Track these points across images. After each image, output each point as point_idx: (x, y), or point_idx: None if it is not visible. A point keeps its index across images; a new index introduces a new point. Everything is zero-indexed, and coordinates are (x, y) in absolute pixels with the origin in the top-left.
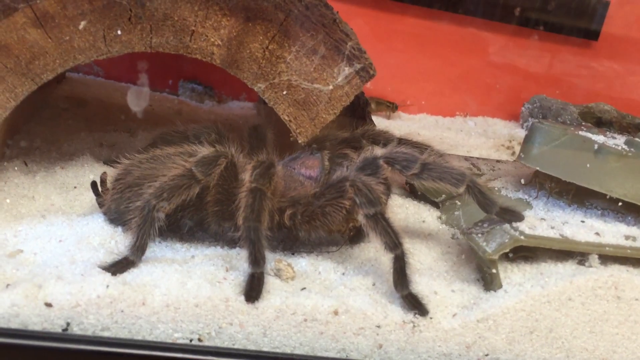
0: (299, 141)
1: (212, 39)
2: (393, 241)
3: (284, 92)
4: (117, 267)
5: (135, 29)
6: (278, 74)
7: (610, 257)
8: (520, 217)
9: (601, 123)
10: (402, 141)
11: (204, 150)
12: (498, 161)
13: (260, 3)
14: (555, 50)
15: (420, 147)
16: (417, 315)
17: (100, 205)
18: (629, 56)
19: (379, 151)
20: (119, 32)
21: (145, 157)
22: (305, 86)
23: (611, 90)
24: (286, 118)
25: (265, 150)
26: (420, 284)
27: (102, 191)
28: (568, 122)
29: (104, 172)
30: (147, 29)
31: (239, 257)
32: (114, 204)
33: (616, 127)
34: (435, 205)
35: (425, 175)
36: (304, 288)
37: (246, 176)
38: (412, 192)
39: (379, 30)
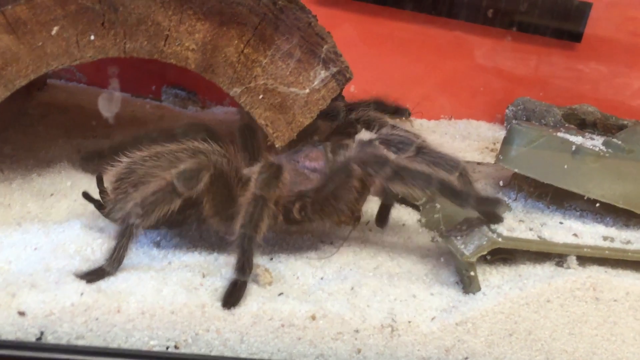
0: (276, 145)
1: (187, 44)
2: (428, 178)
3: (260, 96)
4: (92, 276)
5: (108, 34)
6: (254, 78)
7: (589, 258)
8: (497, 204)
9: (585, 124)
10: (395, 127)
11: (187, 162)
12: (479, 163)
13: (235, 7)
14: (538, 52)
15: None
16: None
17: (101, 205)
18: (612, 57)
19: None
20: (92, 37)
21: (147, 154)
22: (281, 90)
23: (595, 91)
24: (263, 122)
25: (257, 147)
26: (399, 288)
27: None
28: (552, 123)
29: (100, 172)
30: (121, 34)
31: (217, 263)
32: (119, 204)
33: (600, 129)
34: (415, 208)
35: (420, 158)
36: (282, 293)
37: (252, 180)
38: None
39: (363, 34)
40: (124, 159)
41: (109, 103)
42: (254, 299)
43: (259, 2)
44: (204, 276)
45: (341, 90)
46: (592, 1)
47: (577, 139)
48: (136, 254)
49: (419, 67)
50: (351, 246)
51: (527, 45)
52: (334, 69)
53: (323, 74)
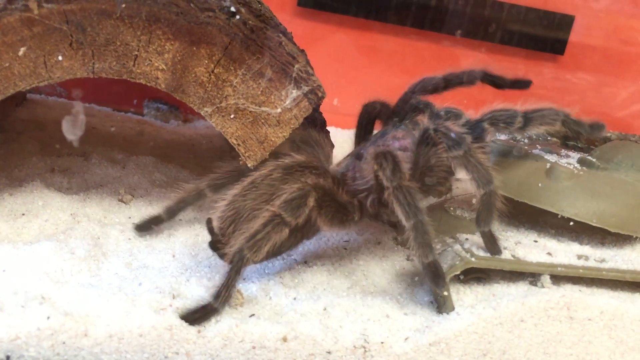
0: (249, 165)
1: (156, 64)
2: (485, 177)
3: (232, 116)
4: (199, 314)
5: (76, 54)
6: (225, 98)
7: (563, 277)
8: (498, 251)
9: (568, 137)
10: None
11: (290, 190)
12: (457, 179)
13: (204, 27)
14: (522, 64)
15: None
16: (366, 341)
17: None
18: (594, 69)
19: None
20: (60, 57)
21: (242, 189)
22: (252, 109)
23: (578, 103)
24: (234, 142)
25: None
26: (373, 307)
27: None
28: (534, 136)
29: (209, 219)
30: (89, 55)
31: (188, 284)
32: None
33: (583, 141)
34: (391, 225)
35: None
36: (253, 314)
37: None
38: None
39: (346, 46)
40: (221, 204)
41: (75, 121)
42: (225, 320)
43: (229, 22)
44: (174, 297)
45: (315, 108)
46: (575, 14)
47: (551, 157)
48: (107, 274)
49: (403, 79)
50: (325, 265)
51: (511, 57)
52: (306, 88)
53: (295, 93)
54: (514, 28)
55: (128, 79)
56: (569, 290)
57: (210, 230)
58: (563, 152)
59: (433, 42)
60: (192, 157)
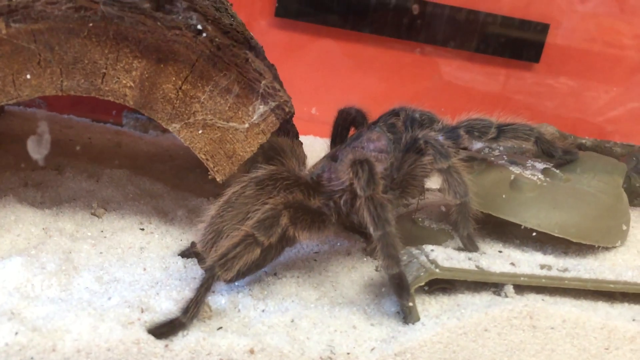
0: (217, 179)
1: (124, 81)
2: (463, 189)
3: (200, 132)
4: (166, 328)
5: (45, 72)
6: (193, 114)
7: (526, 286)
8: (476, 249)
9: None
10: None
11: (262, 210)
12: (427, 189)
13: (172, 45)
14: (498, 73)
15: None
16: (332, 352)
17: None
18: (569, 76)
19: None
20: (29, 76)
21: (217, 210)
22: (220, 125)
23: (554, 110)
24: (203, 157)
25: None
26: (340, 319)
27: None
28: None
29: (193, 242)
30: (58, 73)
31: (158, 297)
32: None
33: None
34: (361, 235)
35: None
36: (221, 327)
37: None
38: (340, 223)
39: (324, 56)
40: (200, 226)
41: (41, 139)
42: (193, 333)
43: (196, 40)
44: (142, 311)
45: (287, 120)
46: (550, 22)
47: (516, 168)
48: (77, 289)
49: (381, 88)
50: (294, 277)
51: (486, 66)
52: (273, 104)
53: (262, 108)
54: (491, 36)
55: (97, 97)
56: (532, 300)
57: (197, 254)
58: (529, 163)
59: (411, 51)
60: (168, 169)
